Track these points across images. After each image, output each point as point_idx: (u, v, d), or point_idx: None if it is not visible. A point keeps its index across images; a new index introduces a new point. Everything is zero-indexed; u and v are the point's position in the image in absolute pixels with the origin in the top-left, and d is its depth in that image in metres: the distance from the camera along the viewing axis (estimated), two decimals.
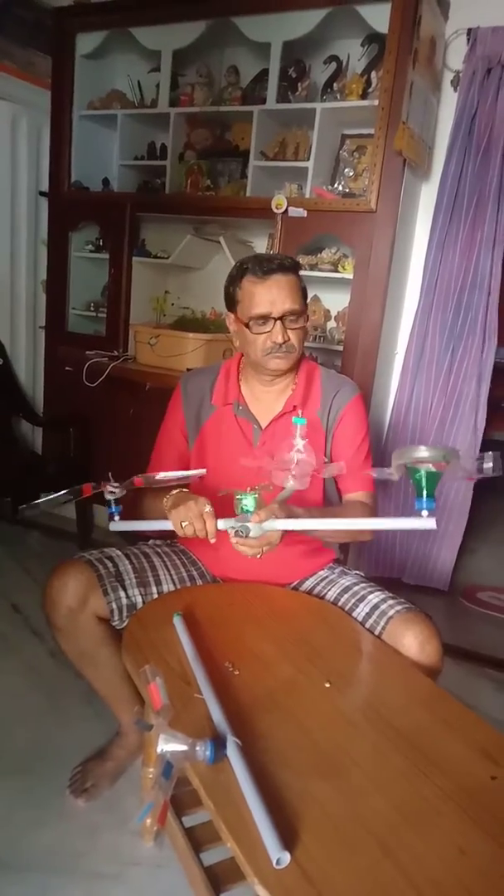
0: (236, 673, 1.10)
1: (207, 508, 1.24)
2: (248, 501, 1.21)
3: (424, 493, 1.07)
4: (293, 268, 1.42)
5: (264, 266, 1.38)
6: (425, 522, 1.08)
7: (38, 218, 3.16)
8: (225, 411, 1.50)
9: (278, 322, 1.38)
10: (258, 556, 1.23)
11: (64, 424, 2.94)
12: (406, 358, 2.56)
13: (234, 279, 1.44)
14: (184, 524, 1.25)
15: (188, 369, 2.45)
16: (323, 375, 1.53)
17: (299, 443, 1.24)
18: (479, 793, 0.89)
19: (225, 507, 1.25)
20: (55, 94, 2.85)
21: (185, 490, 1.36)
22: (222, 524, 1.25)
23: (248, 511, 1.21)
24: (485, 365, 2.48)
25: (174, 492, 1.35)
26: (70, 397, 2.90)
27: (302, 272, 1.47)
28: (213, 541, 1.25)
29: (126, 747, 1.56)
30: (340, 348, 2.46)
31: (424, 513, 1.08)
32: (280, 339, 1.38)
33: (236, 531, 1.20)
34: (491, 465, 1.06)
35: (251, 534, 1.19)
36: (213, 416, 1.51)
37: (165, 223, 2.92)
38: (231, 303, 1.46)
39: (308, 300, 1.51)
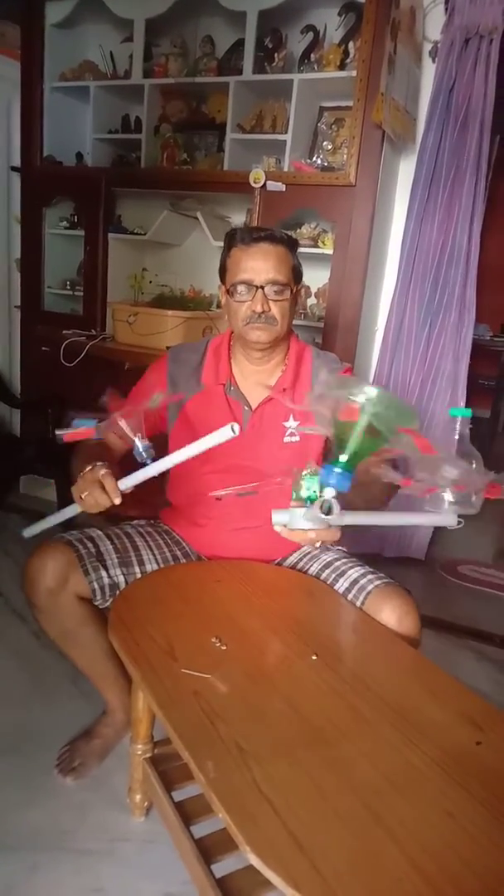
0: (224, 648, 1.10)
1: (103, 472, 1.18)
2: (308, 484, 1.00)
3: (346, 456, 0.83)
4: (285, 241, 1.40)
5: (253, 234, 1.37)
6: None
7: (11, 194, 3.08)
8: (215, 391, 1.47)
9: (260, 291, 1.36)
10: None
11: (42, 405, 2.90)
12: (385, 334, 2.56)
13: (225, 248, 1.43)
14: (84, 495, 1.19)
15: (167, 347, 2.42)
16: (313, 356, 1.51)
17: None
18: (466, 758, 0.90)
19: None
20: (25, 65, 2.77)
21: (96, 464, 1.24)
22: (133, 478, 1.18)
23: (310, 498, 1.00)
24: (463, 340, 2.48)
25: (86, 468, 1.23)
26: (47, 378, 2.85)
27: None
28: (117, 502, 1.18)
29: (113, 725, 1.56)
30: (321, 325, 2.45)
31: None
32: (259, 308, 1.36)
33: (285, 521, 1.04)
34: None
35: (297, 525, 1.03)
36: (199, 394, 1.48)
37: (142, 198, 2.87)
38: (222, 273, 1.44)
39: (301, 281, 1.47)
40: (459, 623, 2.31)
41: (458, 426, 1.02)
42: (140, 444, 1.15)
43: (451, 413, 1.02)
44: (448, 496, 0.96)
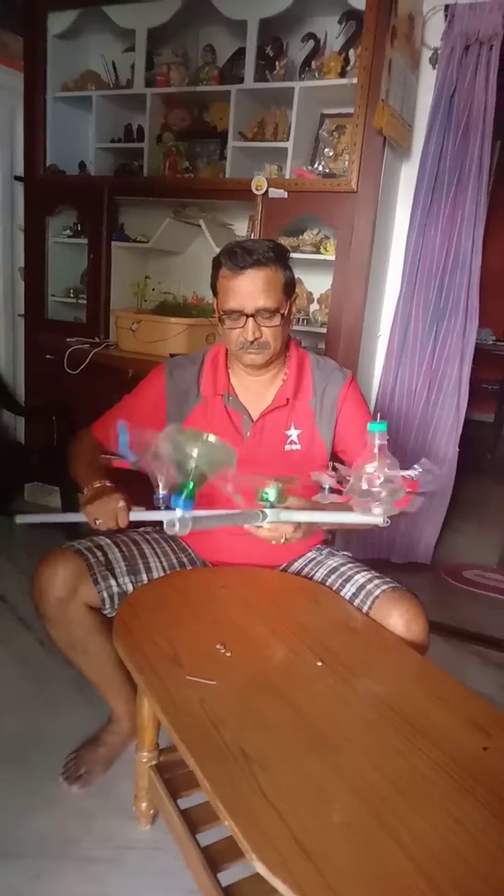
0: (228, 655, 1.10)
1: (121, 504, 1.27)
2: (270, 492, 1.22)
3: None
4: (274, 260, 1.35)
5: (239, 261, 1.33)
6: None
7: (14, 203, 3.11)
8: (215, 402, 1.47)
9: (250, 319, 1.34)
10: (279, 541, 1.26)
11: (46, 413, 2.91)
12: (390, 340, 2.56)
13: (214, 269, 1.41)
14: (98, 521, 1.28)
15: (171, 355, 2.43)
16: (313, 364, 1.51)
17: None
18: (472, 764, 0.90)
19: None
20: (28, 76, 2.79)
21: (106, 484, 1.35)
22: (143, 515, 1.28)
23: (267, 500, 1.22)
24: (467, 345, 2.48)
25: (96, 484, 1.34)
26: (52, 385, 2.86)
27: None
28: (124, 526, 1.29)
29: (119, 733, 1.55)
30: (324, 331, 2.46)
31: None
32: (250, 337, 1.35)
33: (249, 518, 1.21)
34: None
35: (268, 520, 1.21)
36: (198, 406, 1.48)
37: (144, 207, 2.88)
38: (213, 291, 1.43)
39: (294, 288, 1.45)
40: (465, 628, 2.30)
41: (376, 441, 1.14)
42: (161, 493, 1.27)
43: (370, 429, 1.15)
44: (375, 505, 1.14)
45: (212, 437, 1.17)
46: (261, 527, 1.21)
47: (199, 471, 1.15)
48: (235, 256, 1.34)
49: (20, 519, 1.42)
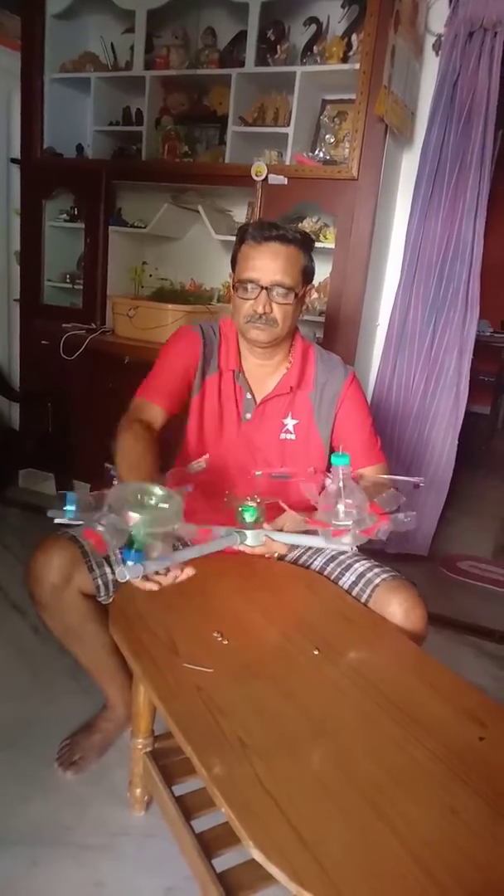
0: (225, 643, 1.10)
1: None
2: (249, 514, 1.24)
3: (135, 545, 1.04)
4: (300, 242, 1.36)
5: (264, 232, 1.33)
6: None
7: (10, 186, 3.06)
8: (226, 376, 1.47)
9: (264, 291, 1.34)
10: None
11: (41, 399, 2.89)
12: (389, 330, 2.55)
13: (237, 240, 1.41)
14: None
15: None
16: (317, 356, 1.50)
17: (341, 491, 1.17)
18: (468, 754, 0.90)
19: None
20: (25, 56, 2.75)
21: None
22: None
23: (248, 523, 1.25)
24: (466, 337, 2.47)
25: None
26: (47, 371, 2.84)
27: None
28: None
29: (113, 720, 1.55)
30: (322, 319, 2.45)
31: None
32: (261, 310, 1.34)
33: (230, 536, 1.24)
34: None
35: (248, 542, 1.24)
36: (214, 376, 1.47)
37: (142, 191, 2.85)
38: (233, 263, 1.43)
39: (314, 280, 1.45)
40: (459, 619, 2.31)
41: (340, 475, 1.15)
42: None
43: (333, 462, 1.17)
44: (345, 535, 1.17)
45: (157, 490, 1.09)
46: (249, 545, 1.25)
47: (143, 535, 1.05)
48: (262, 227, 1.35)
49: (51, 514, 1.36)
